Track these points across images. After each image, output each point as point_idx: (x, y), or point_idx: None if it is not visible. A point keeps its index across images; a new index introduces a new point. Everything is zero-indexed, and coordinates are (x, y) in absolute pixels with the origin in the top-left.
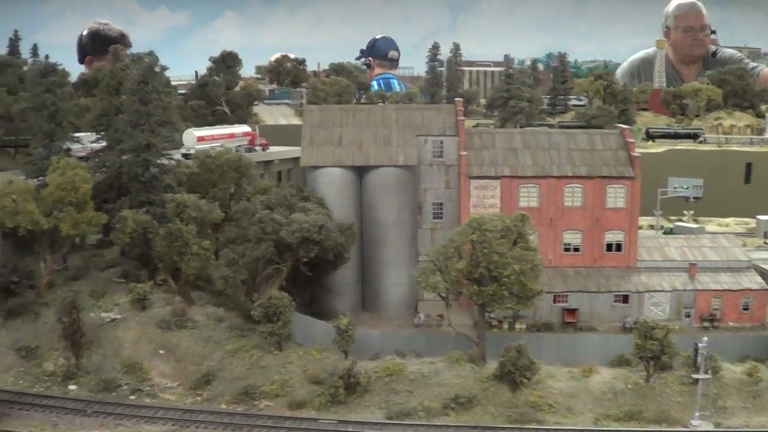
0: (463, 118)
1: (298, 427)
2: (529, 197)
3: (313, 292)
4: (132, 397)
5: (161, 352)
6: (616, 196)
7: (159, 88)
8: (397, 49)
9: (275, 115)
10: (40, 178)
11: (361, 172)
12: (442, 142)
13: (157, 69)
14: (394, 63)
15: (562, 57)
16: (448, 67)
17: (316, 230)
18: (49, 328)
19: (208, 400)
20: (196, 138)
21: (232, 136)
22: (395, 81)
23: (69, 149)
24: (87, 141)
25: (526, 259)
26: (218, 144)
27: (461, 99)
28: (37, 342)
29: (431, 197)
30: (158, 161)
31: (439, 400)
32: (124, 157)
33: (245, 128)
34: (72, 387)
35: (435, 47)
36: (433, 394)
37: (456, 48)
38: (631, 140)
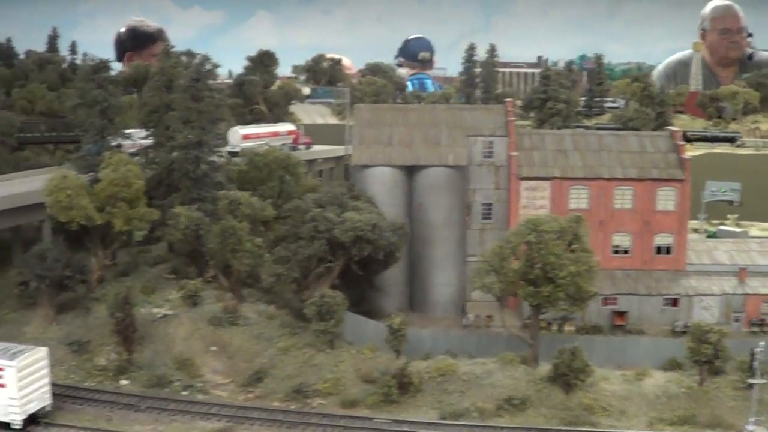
0: (513, 118)
1: (353, 425)
2: (578, 199)
3: (361, 291)
4: (184, 393)
5: (213, 348)
6: (666, 198)
7: (210, 86)
8: (429, 50)
9: (312, 114)
10: (92, 173)
11: (410, 171)
12: (492, 143)
13: (208, 67)
14: (425, 64)
15: (598, 59)
16: (484, 67)
17: (370, 229)
18: (101, 323)
19: (261, 397)
20: (241, 136)
21: (276, 134)
22: (429, 81)
23: (119, 145)
24: (137, 137)
25: (582, 260)
26: (263, 142)
27: (510, 100)
28: (89, 337)
29: (480, 198)
30: (209, 158)
31: (493, 401)
32: (174, 154)
33: (290, 126)
34: (124, 382)
35: (471, 48)
36: (486, 395)
37: (492, 49)
38: (681, 143)
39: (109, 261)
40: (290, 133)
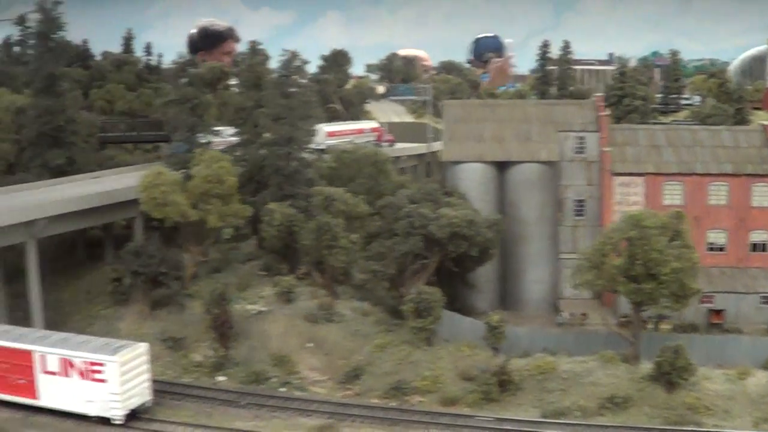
0: (605, 113)
1: (455, 423)
2: (672, 195)
3: (454, 289)
4: (282, 390)
5: (309, 345)
6: (762, 194)
7: (300, 83)
8: (497, 49)
9: (387, 112)
10: (183, 171)
11: (501, 167)
12: (583, 138)
13: (297, 63)
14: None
15: (673, 55)
16: (559, 65)
17: (466, 225)
18: (195, 320)
19: (359, 394)
20: (326, 133)
21: (360, 131)
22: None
23: (209, 142)
24: (225, 134)
25: (685, 257)
26: (347, 139)
27: (601, 95)
28: (184, 333)
29: (572, 194)
30: (299, 155)
31: (594, 399)
32: (262, 151)
33: (373, 124)
34: (221, 378)
35: (545, 45)
36: (588, 394)
37: (566, 45)
38: None
39: (202, 258)
40: (374, 130)
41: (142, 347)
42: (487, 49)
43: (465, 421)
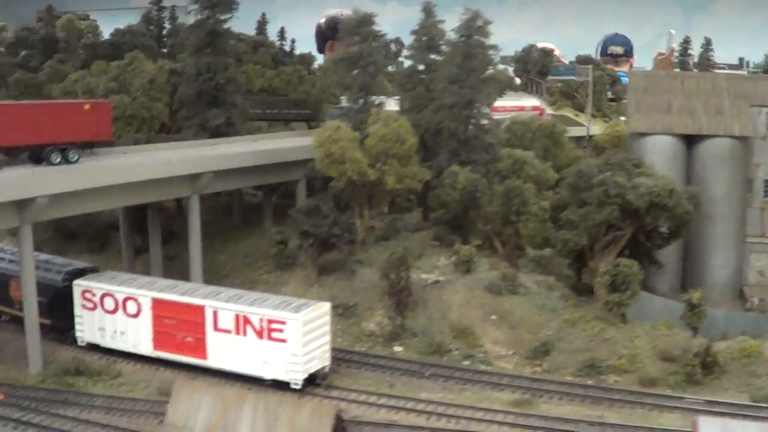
0: None
1: (661, 404)
2: None
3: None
4: (465, 363)
5: (493, 317)
6: None
7: (482, 43)
8: (623, 45)
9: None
10: (357, 132)
11: (689, 141)
12: None
13: (479, 23)
14: (619, 59)
15: None
16: (700, 63)
17: (666, 195)
18: (367, 287)
19: (549, 371)
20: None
21: (522, 109)
22: (625, 79)
23: (381, 104)
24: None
25: None
26: (509, 116)
27: None
28: (354, 300)
29: (763, 174)
30: (479, 121)
31: None
32: (437, 115)
33: (534, 102)
34: (397, 348)
35: (686, 41)
36: None
37: (707, 43)
38: None
39: (373, 224)
40: (534, 108)
41: (326, 306)
42: (609, 44)
43: (673, 403)
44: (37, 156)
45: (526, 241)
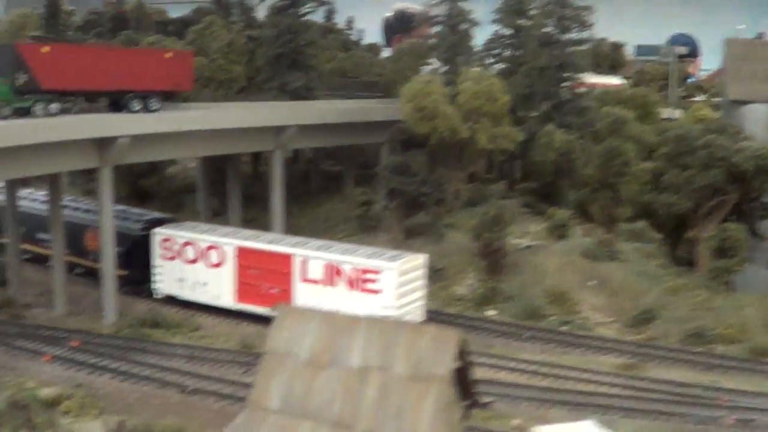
0: None
1: None
2: None
3: None
4: (563, 329)
5: (591, 283)
6: None
7: (574, 3)
8: (688, 44)
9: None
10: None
11: None
12: None
13: None
14: (684, 60)
15: None
16: None
17: None
18: (456, 250)
19: (652, 339)
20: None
21: (605, 86)
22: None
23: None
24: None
25: None
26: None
27: None
28: (442, 263)
29: None
30: (571, 83)
31: None
32: (527, 79)
33: (617, 80)
34: (491, 312)
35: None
36: None
37: None
38: None
39: (463, 186)
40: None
41: (422, 258)
42: (673, 44)
43: None
44: (117, 103)
45: (625, 206)
